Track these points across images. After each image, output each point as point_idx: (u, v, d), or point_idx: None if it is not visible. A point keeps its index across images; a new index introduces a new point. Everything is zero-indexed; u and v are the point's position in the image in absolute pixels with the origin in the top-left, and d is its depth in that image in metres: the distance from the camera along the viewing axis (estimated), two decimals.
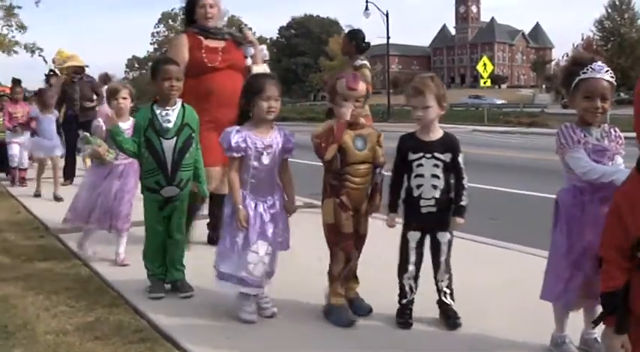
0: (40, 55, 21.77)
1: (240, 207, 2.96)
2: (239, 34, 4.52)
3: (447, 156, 2.92)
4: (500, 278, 3.77)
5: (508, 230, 5.33)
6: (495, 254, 4.44)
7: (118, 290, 3.60)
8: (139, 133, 3.40)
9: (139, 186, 3.80)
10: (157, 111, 3.38)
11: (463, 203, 2.94)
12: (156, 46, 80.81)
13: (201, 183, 3.61)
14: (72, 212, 4.37)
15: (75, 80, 8.20)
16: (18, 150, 8.15)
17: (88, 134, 4.34)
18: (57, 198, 6.69)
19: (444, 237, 2.98)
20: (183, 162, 3.41)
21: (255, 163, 2.99)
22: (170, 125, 3.36)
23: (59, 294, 3.56)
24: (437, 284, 3.03)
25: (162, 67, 3.42)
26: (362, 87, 3.00)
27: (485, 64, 30.75)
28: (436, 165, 2.91)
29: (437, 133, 2.97)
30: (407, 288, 3.03)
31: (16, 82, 8.94)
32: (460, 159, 2.95)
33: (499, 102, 47.80)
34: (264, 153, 3.00)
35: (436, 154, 2.92)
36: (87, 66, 8.53)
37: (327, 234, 3.06)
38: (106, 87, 5.68)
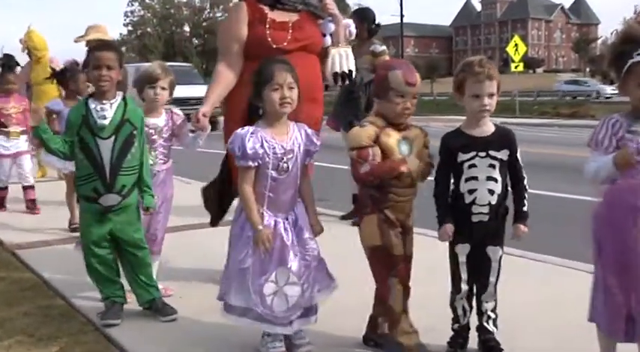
0: None
1: (261, 227, 2.83)
2: (316, 4, 4.00)
3: (503, 154, 2.86)
4: (535, 295, 3.79)
5: (545, 239, 5.31)
6: (528, 267, 4.45)
7: (87, 315, 3.61)
8: (71, 131, 3.39)
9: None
10: (92, 106, 3.36)
11: (526, 208, 2.89)
12: (130, 27, 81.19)
13: (145, 191, 3.54)
14: None
15: None
16: (8, 166, 6.75)
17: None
18: (74, 229, 5.45)
19: (495, 252, 2.91)
20: (124, 165, 3.39)
21: (274, 173, 2.86)
22: (106, 122, 3.34)
23: (15, 321, 3.56)
24: (480, 307, 2.98)
25: (92, 54, 3.40)
26: (419, 80, 2.89)
27: (516, 45, 30.72)
28: (492, 166, 2.84)
29: (489, 127, 2.89)
30: (460, 311, 2.98)
31: (6, 65, 7.57)
32: (519, 155, 2.90)
33: (610, 89, 38.38)
34: (284, 160, 2.87)
35: (491, 152, 2.84)
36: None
37: (372, 261, 2.94)
38: (82, 76, 5.50)
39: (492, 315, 2.98)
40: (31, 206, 6.66)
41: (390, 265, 2.90)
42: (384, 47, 5.91)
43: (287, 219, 2.91)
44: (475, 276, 2.95)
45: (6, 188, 6.81)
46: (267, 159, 2.83)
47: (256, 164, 2.83)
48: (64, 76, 5.89)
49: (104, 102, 3.36)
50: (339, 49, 3.99)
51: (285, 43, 3.75)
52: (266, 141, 2.84)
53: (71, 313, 3.68)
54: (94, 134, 3.34)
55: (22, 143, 6.76)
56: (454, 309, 3.00)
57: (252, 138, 2.81)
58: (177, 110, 3.98)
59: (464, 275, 2.93)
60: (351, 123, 5.63)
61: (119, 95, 3.43)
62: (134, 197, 3.49)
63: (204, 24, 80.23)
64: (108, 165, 3.35)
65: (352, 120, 5.62)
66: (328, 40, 3.99)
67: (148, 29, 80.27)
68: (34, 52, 8.35)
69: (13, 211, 6.68)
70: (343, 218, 5.90)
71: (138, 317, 3.56)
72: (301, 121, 3.51)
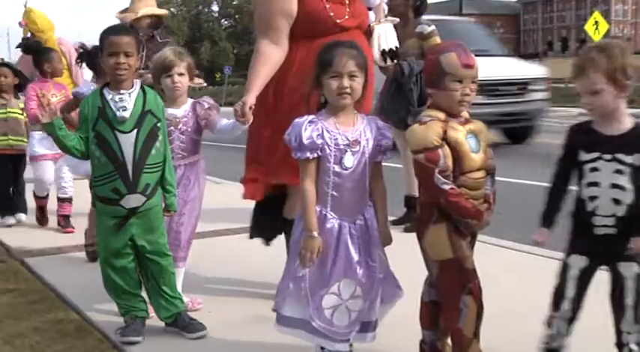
0: None
1: (315, 233, 2.78)
2: None
3: (636, 159, 2.70)
4: None
5: None
6: None
7: (103, 331, 3.64)
8: (85, 126, 3.38)
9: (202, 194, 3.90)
10: (108, 97, 3.36)
11: None
12: None
13: (169, 191, 3.56)
14: None
15: (154, 37, 6.35)
16: (50, 169, 6.20)
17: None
18: (92, 257, 4.93)
19: (628, 269, 2.77)
20: (148, 162, 3.40)
21: (336, 167, 2.82)
22: (127, 114, 3.34)
23: (24, 337, 3.60)
24: (619, 337, 2.83)
25: (106, 38, 3.38)
26: (477, 62, 2.82)
27: (596, 23, 30.17)
28: (619, 171, 2.70)
29: (623, 124, 2.75)
30: (554, 331, 2.88)
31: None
32: None
33: None
34: (349, 152, 2.82)
35: (619, 156, 2.70)
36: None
37: (442, 277, 2.88)
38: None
39: (636, 349, 2.79)
40: (64, 223, 6.11)
41: (462, 281, 2.83)
42: (432, 27, 5.72)
43: (354, 224, 2.87)
44: (611, 299, 2.80)
45: (47, 196, 6.35)
46: (328, 150, 2.80)
47: (315, 156, 2.79)
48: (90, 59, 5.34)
49: (122, 92, 3.37)
50: (382, 25, 4.01)
51: (345, 18, 3.71)
52: (327, 131, 2.80)
53: (86, 328, 3.72)
54: (113, 128, 3.34)
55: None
56: (549, 324, 2.87)
57: (311, 127, 2.79)
58: (206, 99, 3.95)
59: (569, 292, 2.80)
60: (403, 120, 5.57)
61: (137, 84, 3.44)
62: (158, 197, 3.50)
63: (234, 2, 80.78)
64: (130, 163, 3.35)
65: (404, 117, 5.55)
66: (372, 15, 3.97)
67: (172, 9, 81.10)
68: (39, 35, 7.78)
69: None
70: (395, 223, 5.85)
71: (161, 333, 3.58)
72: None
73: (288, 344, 2.98)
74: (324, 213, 2.84)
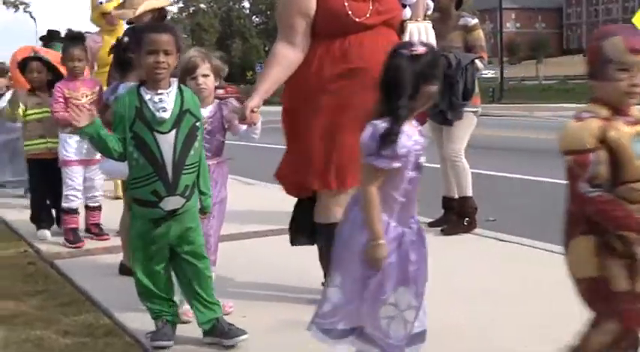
0: (26, 11, 21.77)
1: (383, 241, 2.70)
2: None
3: None
4: None
5: None
6: None
7: (134, 335, 3.68)
8: (121, 127, 3.36)
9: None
10: (146, 97, 3.35)
11: None
12: (181, 4, 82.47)
13: (205, 193, 3.58)
14: None
15: None
16: (81, 176, 5.78)
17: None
18: (122, 268, 4.77)
19: None
20: (187, 162, 3.39)
21: (413, 173, 2.75)
22: (166, 115, 3.32)
23: (54, 341, 3.66)
24: None
25: (145, 36, 3.36)
26: None
27: None
28: None
29: None
30: None
31: (73, 39, 5.82)
32: None
33: None
34: (420, 156, 2.77)
35: None
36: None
37: (584, 294, 2.63)
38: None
39: None
40: (98, 231, 5.89)
41: (608, 305, 2.56)
42: (476, 20, 5.81)
43: (411, 228, 2.80)
44: None
45: (76, 211, 5.80)
46: (410, 157, 2.72)
47: (399, 165, 2.69)
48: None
49: (159, 91, 3.35)
50: (418, 23, 3.95)
51: (367, 16, 3.66)
52: (409, 137, 2.71)
53: (116, 332, 3.76)
54: (152, 129, 3.32)
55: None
56: None
57: (403, 135, 2.67)
58: (232, 100, 4.00)
59: None
60: (442, 113, 5.58)
61: (174, 83, 3.43)
62: (195, 198, 3.51)
63: None
64: (170, 164, 3.34)
65: (445, 110, 5.55)
66: (408, 12, 3.93)
67: (202, 5, 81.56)
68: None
69: None
70: (431, 225, 5.84)
71: (194, 337, 3.60)
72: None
73: (325, 348, 2.97)
74: (387, 220, 2.74)
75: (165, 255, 3.51)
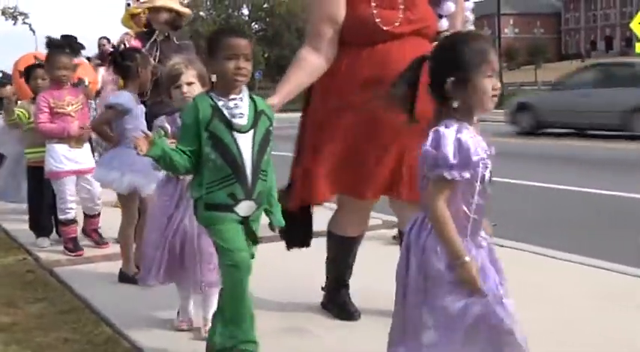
0: (25, 22, 21.68)
1: (468, 258, 2.43)
2: None
3: None
4: None
5: None
6: None
7: (134, 342, 3.67)
8: (188, 137, 3.10)
9: None
10: (219, 103, 3.11)
11: None
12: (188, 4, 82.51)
13: (274, 205, 3.34)
14: (142, 266, 3.88)
15: (171, 39, 5.94)
16: (73, 185, 5.67)
17: (165, 125, 3.74)
18: (122, 275, 4.81)
19: None
20: (262, 167, 3.18)
21: (481, 186, 2.50)
22: (244, 121, 3.11)
23: (54, 349, 3.65)
24: None
25: (223, 41, 3.12)
26: None
27: None
28: None
29: None
30: None
31: (58, 46, 5.63)
32: None
33: None
34: (488, 167, 2.51)
35: None
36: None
37: None
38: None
39: None
40: (99, 239, 5.90)
41: None
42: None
43: (482, 247, 2.57)
44: None
45: (74, 221, 5.72)
46: (479, 168, 2.46)
47: (469, 175, 2.45)
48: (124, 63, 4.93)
49: (233, 97, 3.13)
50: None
51: (396, 24, 3.57)
52: (474, 140, 2.47)
53: (116, 339, 3.75)
54: (231, 127, 3.10)
55: (86, 154, 5.75)
56: None
57: (472, 141, 2.45)
58: None
59: None
60: None
61: (245, 90, 3.20)
62: (261, 210, 3.27)
63: (265, 5, 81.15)
64: (249, 165, 3.12)
65: None
66: (444, 23, 3.82)
67: (201, 13, 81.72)
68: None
69: None
70: None
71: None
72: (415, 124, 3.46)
73: None
74: (465, 242, 2.49)
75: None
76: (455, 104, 2.48)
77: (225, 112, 3.09)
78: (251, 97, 3.19)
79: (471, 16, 3.94)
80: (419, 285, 2.49)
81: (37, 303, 4.42)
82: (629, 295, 4.24)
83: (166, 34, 5.86)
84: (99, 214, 5.94)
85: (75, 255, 5.52)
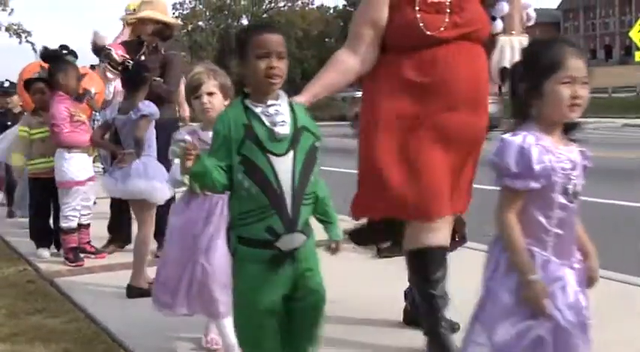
0: (28, 41, 22.09)
1: (536, 275, 2.31)
2: None
3: None
4: None
5: None
6: None
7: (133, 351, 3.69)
8: (224, 150, 2.65)
9: None
10: (256, 110, 2.66)
11: None
12: (180, 21, 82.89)
13: (332, 222, 2.88)
14: (161, 289, 3.62)
15: (158, 48, 5.88)
16: (80, 195, 5.74)
17: (186, 138, 3.31)
18: (132, 290, 4.66)
19: None
20: (307, 191, 2.70)
21: (562, 198, 2.37)
22: (286, 130, 2.65)
23: None
24: None
25: (252, 38, 2.69)
26: None
27: None
28: None
29: None
30: None
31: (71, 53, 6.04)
32: None
33: None
34: (573, 179, 2.38)
35: None
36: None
37: None
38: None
39: None
40: (95, 250, 5.92)
41: None
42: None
43: (572, 267, 2.41)
44: None
45: (76, 230, 5.74)
46: (555, 177, 2.34)
47: (539, 186, 2.34)
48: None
49: (270, 102, 2.68)
50: (512, 37, 3.62)
51: (441, 29, 3.38)
52: (548, 151, 2.35)
53: (116, 350, 3.76)
54: (264, 149, 2.62)
55: (90, 163, 5.95)
56: None
57: (538, 149, 2.33)
58: None
59: None
60: None
61: (283, 95, 2.76)
62: (312, 237, 2.79)
63: (264, 15, 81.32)
64: (289, 193, 2.64)
65: None
66: (498, 24, 3.63)
67: (200, 23, 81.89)
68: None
69: None
70: None
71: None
72: (463, 133, 3.32)
73: None
74: (544, 257, 2.37)
75: (281, 306, 2.74)
76: (532, 111, 2.39)
77: (264, 119, 2.64)
78: (292, 108, 2.74)
79: (532, 14, 3.70)
80: (480, 299, 2.43)
81: (37, 314, 4.42)
82: (629, 303, 4.26)
83: (154, 44, 5.86)
84: (89, 225, 5.96)
85: (75, 266, 5.54)
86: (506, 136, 2.35)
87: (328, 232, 2.87)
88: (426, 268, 3.44)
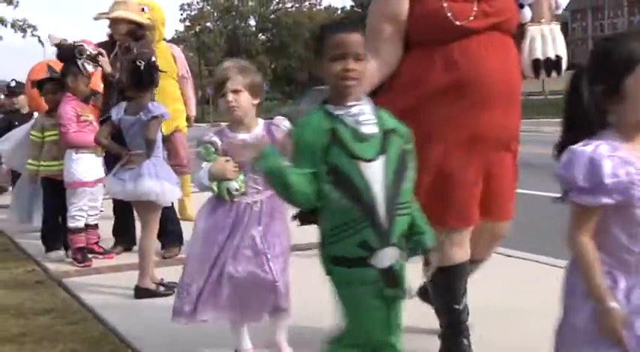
0: (33, 35, 22.06)
1: (612, 303, 2.08)
2: None
3: None
4: None
5: None
6: None
7: None
8: (308, 158, 2.43)
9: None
10: (338, 113, 2.48)
11: None
12: (187, 22, 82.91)
13: (424, 233, 2.59)
14: (184, 297, 3.43)
15: (131, 48, 5.79)
16: (87, 195, 5.76)
17: (214, 139, 3.35)
18: (139, 291, 4.67)
19: None
20: (401, 199, 2.48)
21: None
22: (373, 129, 2.48)
23: None
24: None
25: (327, 38, 2.52)
26: None
27: None
28: None
29: None
30: None
31: (77, 51, 5.74)
32: None
33: None
34: None
35: None
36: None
37: None
38: None
39: None
40: (101, 250, 5.94)
41: None
42: None
43: None
44: None
45: (83, 230, 5.76)
46: (634, 191, 2.08)
47: (613, 201, 2.07)
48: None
49: (351, 103, 2.51)
50: (542, 26, 3.38)
51: (470, 19, 3.11)
52: (628, 163, 2.08)
53: (124, 350, 3.78)
54: (353, 156, 2.42)
55: (100, 164, 5.88)
56: None
57: (611, 161, 2.06)
58: (281, 121, 3.44)
59: None
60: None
61: (364, 97, 2.59)
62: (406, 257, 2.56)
63: (272, 16, 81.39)
64: (383, 203, 2.43)
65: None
66: (527, 13, 3.39)
67: (208, 24, 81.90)
68: (160, 28, 6.77)
69: None
70: None
71: None
72: (495, 131, 3.12)
73: None
74: (629, 282, 2.13)
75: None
76: (611, 117, 2.14)
77: (349, 121, 2.46)
78: (375, 108, 2.56)
79: (560, 1, 3.48)
80: (562, 329, 2.24)
81: (45, 314, 4.44)
82: None
83: (127, 44, 5.81)
84: (97, 226, 5.99)
85: (83, 266, 5.55)
86: (576, 146, 2.10)
87: (423, 240, 2.58)
88: (451, 284, 3.29)
